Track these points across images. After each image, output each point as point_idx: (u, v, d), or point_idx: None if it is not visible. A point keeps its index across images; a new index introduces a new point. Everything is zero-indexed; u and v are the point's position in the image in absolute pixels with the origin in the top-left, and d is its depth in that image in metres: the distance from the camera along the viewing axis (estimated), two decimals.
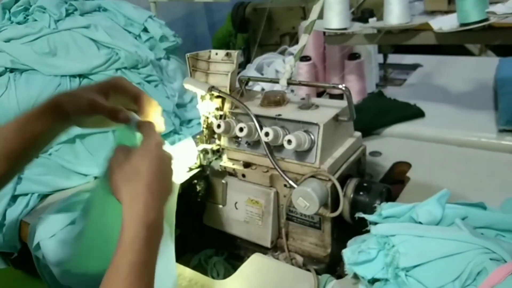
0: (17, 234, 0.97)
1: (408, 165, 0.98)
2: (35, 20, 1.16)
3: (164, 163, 0.61)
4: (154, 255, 0.55)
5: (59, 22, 1.17)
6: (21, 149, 0.68)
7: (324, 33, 1.21)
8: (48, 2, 1.16)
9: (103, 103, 0.67)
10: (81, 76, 1.10)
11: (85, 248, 0.65)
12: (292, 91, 1.32)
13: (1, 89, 1.05)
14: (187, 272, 0.74)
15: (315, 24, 0.88)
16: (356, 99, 1.25)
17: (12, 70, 1.07)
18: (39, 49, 1.10)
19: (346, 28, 1.09)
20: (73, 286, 0.83)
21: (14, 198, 1.00)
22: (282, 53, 1.66)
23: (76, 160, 1.05)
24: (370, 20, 1.09)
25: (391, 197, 0.75)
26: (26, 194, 1.01)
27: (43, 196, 1.03)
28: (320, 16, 0.92)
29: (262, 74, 1.52)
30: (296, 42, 1.62)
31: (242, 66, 1.73)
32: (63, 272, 0.82)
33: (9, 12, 1.17)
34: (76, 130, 0.99)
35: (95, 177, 1.07)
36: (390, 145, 1.08)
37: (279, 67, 1.47)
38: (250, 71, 1.55)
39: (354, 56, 1.26)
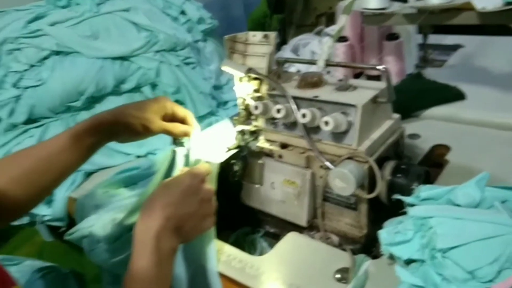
0: (65, 209, 1.02)
1: (447, 148, 0.97)
2: (78, 4, 1.20)
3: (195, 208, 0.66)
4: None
5: (100, 6, 1.20)
6: (76, 165, 0.72)
7: (362, 13, 1.19)
8: None
9: (159, 125, 0.77)
10: (122, 58, 1.14)
11: None
12: (328, 72, 1.31)
13: (48, 71, 1.09)
14: (226, 248, 0.77)
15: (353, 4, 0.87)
16: (394, 80, 1.23)
17: (57, 53, 1.11)
18: (82, 32, 1.14)
19: (385, 8, 1.07)
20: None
21: None
22: (319, 34, 1.64)
23: None
24: None
25: (430, 179, 0.75)
26: None
27: (89, 174, 1.08)
28: None
29: (297, 56, 1.51)
30: (333, 23, 1.60)
31: (277, 47, 1.72)
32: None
33: None
34: None
35: (137, 156, 1.11)
36: (429, 128, 1.06)
37: (315, 48, 1.46)
38: (286, 52, 1.55)
39: (392, 36, 1.23)
